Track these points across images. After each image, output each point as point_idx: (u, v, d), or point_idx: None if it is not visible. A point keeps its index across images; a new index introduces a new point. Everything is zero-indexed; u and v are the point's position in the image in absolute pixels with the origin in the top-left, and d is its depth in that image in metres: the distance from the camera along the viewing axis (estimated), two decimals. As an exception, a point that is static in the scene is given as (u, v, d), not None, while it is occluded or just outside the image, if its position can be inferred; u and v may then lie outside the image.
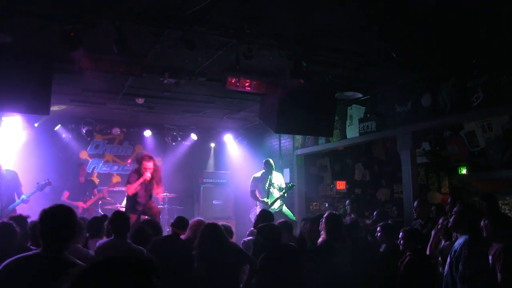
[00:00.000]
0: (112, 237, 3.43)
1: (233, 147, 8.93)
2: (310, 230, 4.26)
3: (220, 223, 4.34)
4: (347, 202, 6.08)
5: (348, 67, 4.70)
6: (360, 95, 5.29)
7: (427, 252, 3.71)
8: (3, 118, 6.79)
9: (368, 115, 5.95)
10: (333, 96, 5.43)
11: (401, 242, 3.36)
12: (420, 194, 5.76)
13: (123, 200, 6.76)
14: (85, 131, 7.57)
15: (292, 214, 6.76)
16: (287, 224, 4.26)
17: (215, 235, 3.40)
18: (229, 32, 3.80)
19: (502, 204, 6.14)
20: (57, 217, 1.90)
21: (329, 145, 6.79)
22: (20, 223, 3.02)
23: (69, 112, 7.19)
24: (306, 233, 4.27)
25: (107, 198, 7.14)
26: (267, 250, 3.40)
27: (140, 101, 6.23)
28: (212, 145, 9.12)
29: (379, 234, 3.87)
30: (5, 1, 3.29)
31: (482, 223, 2.93)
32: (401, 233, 3.39)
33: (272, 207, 6.39)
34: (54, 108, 5.73)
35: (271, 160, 6.77)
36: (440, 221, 3.84)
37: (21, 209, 5.58)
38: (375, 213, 5.00)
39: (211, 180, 8.52)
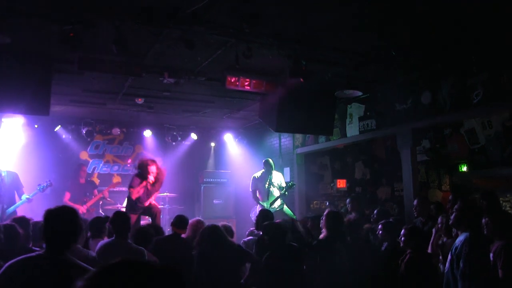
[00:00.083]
0: (113, 238, 3.43)
1: (233, 146, 8.93)
2: (311, 228, 4.27)
3: (221, 222, 4.36)
4: (347, 200, 6.09)
5: (347, 66, 4.70)
6: (360, 93, 5.29)
7: (429, 251, 3.71)
8: (3, 119, 6.79)
9: (368, 113, 5.95)
10: (333, 95, 5.43)
11: (402, 239, 3.36)
12: (421, 192, 5.76)
13: (124, 201, 6.76)
14: (85, 132, 7.57)
15: (292, 213, 6.77)
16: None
17: (214, 235, 3.40)
18: (228, 32, 3.79)
19: (503, 201, 6.15)
20: (61, 218, 1.91)
21: (329, 143, 6.79)
22: (22, 225, 3.03)
23: (69, 113, 7.19)
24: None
25: (108, 198, 7.14)
26: (271, 250, 3.40)
27: (140, 101, 6.22)
28: (212, 144, 9.12)
29: (380, 232, 3.88)
30: (4, 2, 3.28)
31: (483, 220, 2.94)
32: (403, 230, 3.39)
33: (273, 206, 6.39)
34: (54, 108, 5.73)
35: (270, 160, 6.77)
36: (439, 220, 3.84)
37: (21, 210, 5.59)
38: (375, 211, 5.00)
39: (211, 180, 8.52)
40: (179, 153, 8.69)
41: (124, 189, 7.33)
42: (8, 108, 4.64)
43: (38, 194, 5.89)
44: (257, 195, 6.65)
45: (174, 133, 8.24)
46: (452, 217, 3.00)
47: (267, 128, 7.12)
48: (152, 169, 5.49)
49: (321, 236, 3.77)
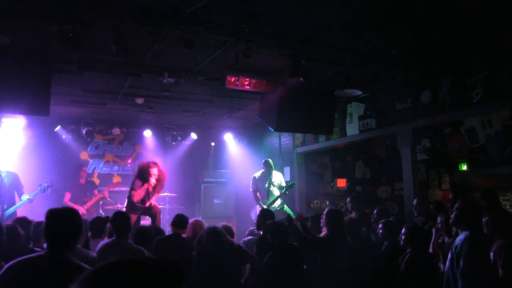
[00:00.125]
0: (114, 238, 3.43)
1: (233, 146, 8.93)
2: (312, 227, 4.27)
3: (221, 222, 4.36)
4: (348, 199, 6.09)
5: (347, 65, 4.70)
6: (360, 93, 5.29)
7: (430, 250, 3.71)
8: (3, 120, 6.79)
9: (368, 112, 5.95)
10: (332, 94, 5.43)
11: (403, 237, 3.37)
12: (421, 191, 5.77)
13: (124, 201, 6.77)
14: (85, 132, 7.57)
15: (293, 213, 6.77)
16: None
17: (213, 236, 3.39)
18: (228, 31, 3.79)
19: (503, 200, 6.15)
20: (62, 219, 1.91)
21: (329, 143, 6.79)
22: (23, 226, 3.03)
23: (69, 113, 7.19)
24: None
25: (108, 198, 7.14)
26: (274, 249, 3.40)
27: (140, 101, 6.22)
28: (212, 144, 9.12)
29: (380, 231, 3.88)
30: (4, 2, 3.28)
31: (483, 219, 2.94)
32: (403, 229, 3.39)
33: (273, 206, 6.40)
34: (54, 108, 5.71)
35: (270, 160, 6.78)
36: (439, 220, 3.84)
37: (21, 210, 5.60)
38: (375, 211, 5.00)
39: (211, 179, 8.52)
40: (179, 153, 8.70)
41: (124, 189, 7.33)
42: (8, 108, 4.64)
43: (38, 194, 5.89)
44: (258, 195, 6.65)
45: (174, 133, 8.24)
46: (452, 216, 3.00)
47: (267, 127, 7.11)
48: (154, 171, 5.50)
49: (322, 234, 3.77)
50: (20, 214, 5.11)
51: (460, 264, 2.74)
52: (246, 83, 5.03)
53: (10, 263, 1.81)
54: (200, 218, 4.54)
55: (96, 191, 7.06)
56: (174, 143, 8.35)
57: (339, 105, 6.21)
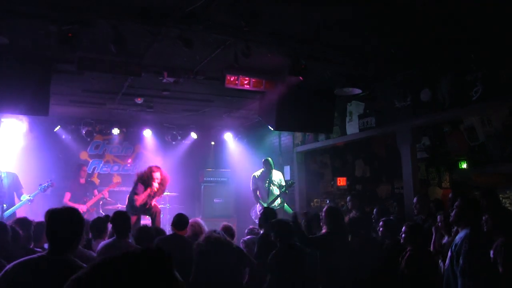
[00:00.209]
0: (114, 238, 3.44)
1: (233, 145, 8.93)
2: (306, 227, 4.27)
3: (222, 221, 4.37)
4: (348, 198, 6.10)
5: (347, 64, 4.70)
6: (359, 91, 5.28)
7: (431, 249, 3.72)
8: (2, 120, 6.78)
9: (368, 111, 5.95)
10: (332, 93, 5.43)
11: (403, 236, 3.37)
12: (421, 189, 5.77)
13: (124, 200, 6.77)
14: (85, 132, 7.57)
15: (293, 212, 6.77)
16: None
17: (213, 238, 3.37)
18: (227, 30, 3.79)
19: (503, 198, 6.15)
20: (62, 219, 1.90)
21: (329, 141, 6.79)
22: (24, 226, 3.03)
23: (69, 113, 7.19)
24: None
25: (107, 198, 7.14)
26: (277, 249, 3.39)
27: (140, 100, 6.22)
28: (212, 143, 9.12)
29: (381, 229, 3.88)
30: (3, 2, 3.28)
31: (483, 217, 2.94)
32: (404, 227, 3.39)
33: (273, 205, 6.40)
34: (54, 108, 5.71)
35: (270, 159, 6.78)
36: (438, 218, 3.85)
37: (22, 211, 5.60)
38: (375, 210, 5.01)
39: (211, 179, 8.52)
40: (179, 152, 8.70)
41: (124, 188, 7.34)
42: (8, 109, 4.64)
43: (39, 194, 5.89)
44: (257, 194, 6.66)
45: (174, 133, 8.24)
46: (452, 214, 3.01)
47: (267, 126, 7.11)
48: (157, 175, 5.55)
49: (321, 232, 3.77)
50: (20, 214, 5.11)
51: (460, 262, 2.74)
52: (246, 82, 5.03)
53: (11, 264, 1.81)
54: (198, 218, 4.54)
55: (96, 191, 7.06)
56: (174, 142, 8.35)
57: (338, 104, 6.20)
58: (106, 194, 7.07)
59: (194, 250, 3.45)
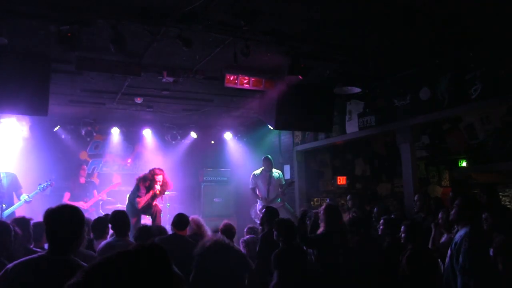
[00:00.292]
0: (114, 237, 3.44)
1: (233, 144, 8.93)
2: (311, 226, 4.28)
3: (221, 221, 4.36)
4: (348, 197, 6.11)
5: (346, 62, 4.70)
6: (359, 90, 5.28)
7: (429, 246, 3.72)
8: (1, 120, 6.78)
9: (367, 109, 5.95)
10: (331, 92, 5.43)
11: (403, 235, 3.38)
12: (420, 187, 5.78)
13: (124, 200, 6.78)
14: (85, 132, 7.56)
15: (293, 210, 6.78)
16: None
17: (216, 242, 3.35)
18: (226, 30, 3.78)
19: (502, 196, 6.17)
20: (62, 218, 1.86)
21: (329, 140, 6.79)
22: (22, 225, 3.02)
23: (68, 113, 7.18)
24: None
25: (107, 198, 7.15)
26: (280, 249, 3.38)
27: (139, 100, 6.21)
28: (212, 142, 9.12)
29: (381, 227, 3.88)
30: (2, 2, 3.27)
31: (483, 215, 2.95)
32: (403, 226, 3.40)
33: (273, 203, 6.40)
34: (53, 108, 5.71)
35: (270, 157, 6.78)
36: (440, 215, 3.86)
37: (21, 211, 5.59)
38: (375, 210, 5.01)
39: (211, 178, 8.52)
40: (179, 152, 8.70)
41: (124, 188, 7.34)
42: (7, 108, 4.63)
43: (38, 194, 5.89)
44: (257, 192, 6.66)
45: (174, 132, 8.24)
46: (452, 212, 3.01)
47: (266, 125, 7.11)
48: (159, 178, 5.61)
49: (319, 231, 3.77)
50: (20, 214, 5.10)
51: (460, 261, 2.74)
52: (245, 81, 5.03)
53: (12, 263, 1.79)
54: (196, 216, 4.54)
55: (95, 192, 7.06)
56: (173, 142, 8.34)
57: (338, 103, 6.21)
58: (104, 197, 7.08)
59: (195, 252, 3.43)
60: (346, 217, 5.18)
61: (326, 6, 3.45)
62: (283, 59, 4.38)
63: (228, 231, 4.10)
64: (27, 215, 3.47)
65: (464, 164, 7.07)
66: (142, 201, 5.45)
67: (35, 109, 4.52)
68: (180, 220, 4.03)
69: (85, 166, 7.46)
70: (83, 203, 6.59)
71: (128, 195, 6.05)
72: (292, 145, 7.71)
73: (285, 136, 7.93)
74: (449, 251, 2.94)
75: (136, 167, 8.58)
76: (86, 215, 6.51)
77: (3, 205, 5.33)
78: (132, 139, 8.56)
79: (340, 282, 3.52)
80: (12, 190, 5.67)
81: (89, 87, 5.61)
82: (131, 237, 3.78)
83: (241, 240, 4.58)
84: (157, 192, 5.58)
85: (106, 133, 8.15)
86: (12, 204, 5.61)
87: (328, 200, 7.82)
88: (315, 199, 7.90)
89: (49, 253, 1.84)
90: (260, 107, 6.16)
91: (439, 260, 3.49)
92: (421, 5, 3.43)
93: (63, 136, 7.75)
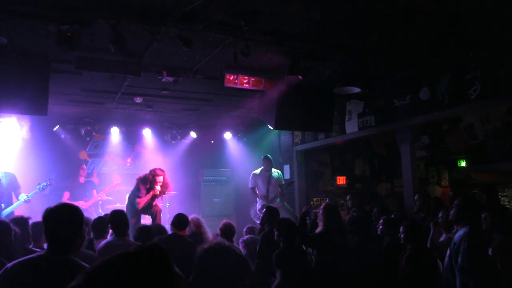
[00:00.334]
0: (113, 236, 3.44)
1: (232, 144, 8.93)
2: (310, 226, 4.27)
3: (221, 221, 4.36)
4: (348, 197, 6.11)
5: (346, 62, 4.70)
6: (359, 90, 5.28)
7: (428, 245, 3.72)
8: (1, 119, 6.77)
9: (367, 109, 5.95)
10: (331, 92, 5.43)
11: (402, 235, 3.38)
12: (420, 187, 5.78)
13: (123, 199, 6.78)
14: (84, 131, 7.56)
15: (292, 210, 6.78)
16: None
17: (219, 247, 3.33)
18: (226, 29, 3.78)
19: (501, 196, 6.17)
20: (61, 218, 1.82)
21: (329, 140, 6.79)
22: (21, 225, 3.01)
23: (68, 113, 7.17)
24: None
25: (106, 198, 7.14)
26: (281, 249, 3.38)
27: (139, 100, 6.21)
28: (212, 142, 9.12)
29: (381, 227, 3.88)
30: (2, 2, 3.27)
31: (482, 215, 2.95)
32: (401, 227, 3.40)
33: (272, 203, 6.40)
34: (53, 108, 5.70)
35: (269, 156, 6.77)
36: (440, 214, 3.86)
37: (21, 210, 5.59)
38: (375, 209, 5.02)
39: (211, 178, 8.52)
40: (179, 152, 8.69)
41: (124, 188, 7.34)
42: (6, 108, 4.63)
43: (37, 193, 5.88)
44: (256, 192, 6.66)
45: (174, 132, 8.24)
46: (451, 212, 3.01)
47: (266, 125, 7.11)
48: (160, 179, 5.61)
49: (317, 230, 3.77)
50: (18, 214, 5.09)
51: (459, 261, 2.75)
52: (245, 81, 5.02)
53: (11, 263, 1.77)
54: (195, 216, 4.54)
55: (94, 191, 7.06)
56: (173, 142, 8.34)
57: (338, 103, 6.21)
58: (104, 197, 7.08)
59: (196, 254, 3.41)
60: (345, 217, 5.18)
61: (326, 6, 3.45)
62: (283, 59, 4.38)
63: (228, 230, 4.10)
64: (27, 215, 3.47)
65: (463, 164, 7.08)
66: (142, 201, 5.46)
67: (35, 108, 4.52)
68: (179, 220, 4.03)
69: (84, 165, 7.46)
70: (83, 202, 6.59)
71: (128, 195, 6.05)
72: (292, 145, 7.71)
73: (285, 136, 7.93)
74: (448, 251, 2.94)
75: (135, 167, 8.58)
76: (86, 214, 6.52)
77: (2, 205, 5.32)
78: (131, 139, 8.55)
79: (340, 282, 3.51)
80: (11, 190, 5.67)
81: (89, 86, 5.61)
82: (131, 236, 3.78)
83: (240, 240, 4.58)
84: (157, 192, 5.60)
85: (105, 133, 8.14)
86: (11, 203, 5.60)
87: (327, 200, 7.83)
88: (314, 199, 7.90)
89: (48, 253, 1.81)
90: (260, 107, 6.16)
91: (438, 260, 3.49)
92: (421, 5, 3.43)
93: (62, 136, 7.74)
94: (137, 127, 8.23)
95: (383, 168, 7.88)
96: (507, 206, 5.83)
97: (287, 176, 7.54)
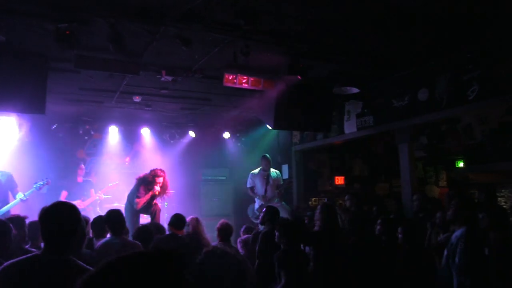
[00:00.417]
0: (111, 236, 3.43)
1: (231, 143, 8.93)
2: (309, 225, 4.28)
3: (219, 220, 4.35)
4: (346, 197, 6.11)
5: (345, 62, 4.70)
6: (358, 90, 5.29)
7: (425, 245, 3.73)
8: (-2, 118, 6.75)
9: (366, 110, 5.96)
10: (330, 92, 5.43)
11: (400, 236, 3.38)
12: (418, 188, 5.79)
13: (122, 198, 6.76)
14: (82, 130, 7.54)
15: (290, 209, 6.78)
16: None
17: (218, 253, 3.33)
18: (226, 29, 3.78)
19: (498, 196, 6.19)
20: (57, 217, 1.78)
21: (327, 140, 6.80)
22: (17, 224, 2.99)
23: (66, 111, 7.15)
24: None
25: (104, 196, 7.13)
26: (283, 249, 3.38)
27: (138, 99, 6.20)
28: (211, 142, 9.11)
29: (379, 227, 3.89)
30: (1, 2, 3.25)
31: (479, 215, 2.96)
32: (401, 227, 3.41)
33: (270, 203, 6.40)
34: (51, 107, 5.68)
35: (268, 156, 6.78)
36: (438, 215, 3.87)
37: (17, 210, 5.57)
38: (374, 209, 5.03)
39: (210, 177, 8.52)
40: (178, 151, 8.68)
41: (122, 187, 7.32)
42: (4, 107, 4.61)
43: (35, 193, 5.86)
44: (255, 191, 6.66)
45: (172, 131, 8.23)
46: (449, 213, 3.02)
47: (265, 125, 7.11)
48: (159, 179, 5.61)
49: (314, 229, 3.77)
50: (15, 213, 5.08)
51: (456, 261, 2.76)
52: (244, 81, 5.02)
53: (6, 263, 1.73)
54: (193, 215, 4.53)
55: (92, 191, 7.04)
56: (172, 141, 8.33)
57: (337, 103, 6.21)
58: (102, 196, 7.07)
59: (196, 260, 3.40)
60: (344, 217, 5.18)
61: (325, 6, 3.45)
62: (282, 59, 4.38)
63: (225, 230, 4.10)
64: (23, 214, 3.45)
65: (461, 164, 7.10)
66: (140, 201, 5.46)
67: (33, 107, 4.50)
68: (177, 220, 4.03)
69: (82, 165, 7.43)
70: (80, 202, 6.57)
71: (127, 194, 6.04)
72: (291, 144, 7.71)
73: (284, 136, 7.93)
74: (445, 251, 2.95)
75: (134, 166, 8.55)
76: (83, 214, 6.52)
77: (-2, 206, 5.30)
78: (130, 138, 8.53)
79: (338, 281, 3.52)
80: (8, 189, 5.65)
81: (88, 85, 5.60)
82: (130, 236, 3.78)
83: (238, 240, 4.58)
84: (156, 193, 5.59)
85: (104, 132, 8.12)
86: (8, 203, 5.58)
87: (326, 200, 7.84)
88: (313, 199, 7.91)
89: (44, 253, 1.77)
90: (258, 107, 6.16)
91: (436, 260, 3.50)
92: (420, 6, 3.43)
93: (60, 135, 7.72)
94: (136, 126, 8.21)
95: (381, 168, 7.90)
96: (504, 206, 5.85)
97: (285, 176, 7.54)
